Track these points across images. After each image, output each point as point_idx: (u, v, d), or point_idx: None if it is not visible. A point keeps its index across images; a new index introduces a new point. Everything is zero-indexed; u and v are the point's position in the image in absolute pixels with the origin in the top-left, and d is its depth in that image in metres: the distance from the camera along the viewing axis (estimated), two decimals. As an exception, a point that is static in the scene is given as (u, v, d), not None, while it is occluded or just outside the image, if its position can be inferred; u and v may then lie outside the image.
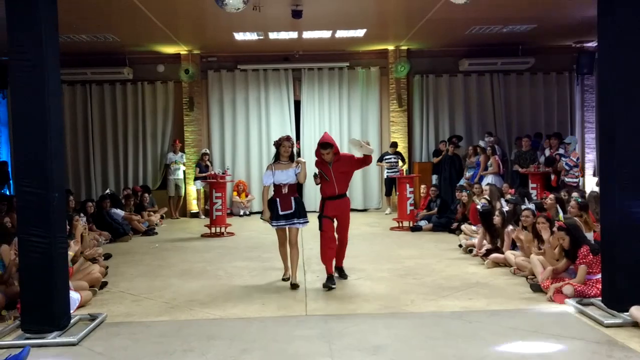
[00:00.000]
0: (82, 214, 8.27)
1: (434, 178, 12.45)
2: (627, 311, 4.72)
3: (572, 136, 11.52)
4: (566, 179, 10.08)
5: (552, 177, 10.55)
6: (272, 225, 6.40)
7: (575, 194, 7.63)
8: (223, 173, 11.19)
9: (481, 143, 11.80)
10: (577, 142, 11.18)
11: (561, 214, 6.65)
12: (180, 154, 12.98)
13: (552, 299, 5.49)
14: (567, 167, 10.09)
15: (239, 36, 11.26)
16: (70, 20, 8.89)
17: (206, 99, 13.42)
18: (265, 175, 6.45)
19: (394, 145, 12.58)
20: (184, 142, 13.24)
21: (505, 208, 7.68)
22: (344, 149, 13.15)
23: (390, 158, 12.35)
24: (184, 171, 13.06)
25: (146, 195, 12.01)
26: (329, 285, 6.17)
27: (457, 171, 12.08)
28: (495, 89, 13.34)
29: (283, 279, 6.56)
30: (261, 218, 6.51)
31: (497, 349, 4.28)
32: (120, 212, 10.58)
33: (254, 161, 13.34)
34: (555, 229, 5.97)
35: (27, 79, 4.73)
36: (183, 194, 13.09)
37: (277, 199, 6.31)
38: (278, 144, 6.45)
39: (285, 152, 6.38)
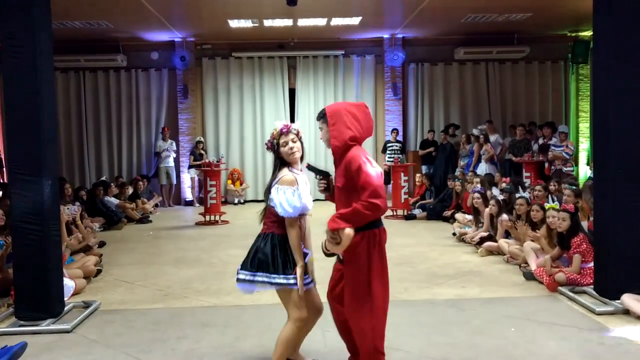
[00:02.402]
0: (77, 203, 8.27)
1: (424, 168, 12.43)
2: (619, 299, 4.77)
3: (564, 125, 11.51)
4: (564, 169, 10.10)
5: (546, 165, 10.57)
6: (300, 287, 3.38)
7: (567, 184, 7.65)
8: (217, 161, 11.17)
9: (474, 131, 11.82)
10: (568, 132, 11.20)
11: (556, 203, 6.67)
12: (170, 141, 12.90)
13: (546, 285, 5.54)
14: (567, 157, 10.11)
15: (234, 23, 11.18)
16: (63, 7, 8.81)
17: (200, 87, 13.35)
18: (294, 194, 3.40)
19: (396, 130, 12.61)
20: (178, 129, 13.19)
21: (500, 197, 7.71)
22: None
23: (392, 145, 12.35)
24: (175, 158, 12.98)
25: (140, 183, 11.96)
26: None
27: (448, 160, 12.11)
28: (491, 77, 13.34)
29: None
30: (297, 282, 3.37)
31: (490, 337, 4.31)
32: (113, 200, 10.56)
33: (248, 149, 13.31)
34: (552, 215, 5.95)
35: (19, 66, 4.70)
36: (175, 181, 13.04)
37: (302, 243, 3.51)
38: (275, 144, 3.57)
39: (291, 154, 3.52)
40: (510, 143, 11.42)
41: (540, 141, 11.03)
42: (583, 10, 9.99)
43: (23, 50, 4.67)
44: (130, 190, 11.54)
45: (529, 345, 4.14)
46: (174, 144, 12.98)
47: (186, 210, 12.45)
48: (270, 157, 13.25)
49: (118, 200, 10.68)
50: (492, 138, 11.57)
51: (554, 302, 5.19)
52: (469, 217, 8.63)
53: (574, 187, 7.13)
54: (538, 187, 7.73)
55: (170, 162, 12.87)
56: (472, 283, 5.89)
